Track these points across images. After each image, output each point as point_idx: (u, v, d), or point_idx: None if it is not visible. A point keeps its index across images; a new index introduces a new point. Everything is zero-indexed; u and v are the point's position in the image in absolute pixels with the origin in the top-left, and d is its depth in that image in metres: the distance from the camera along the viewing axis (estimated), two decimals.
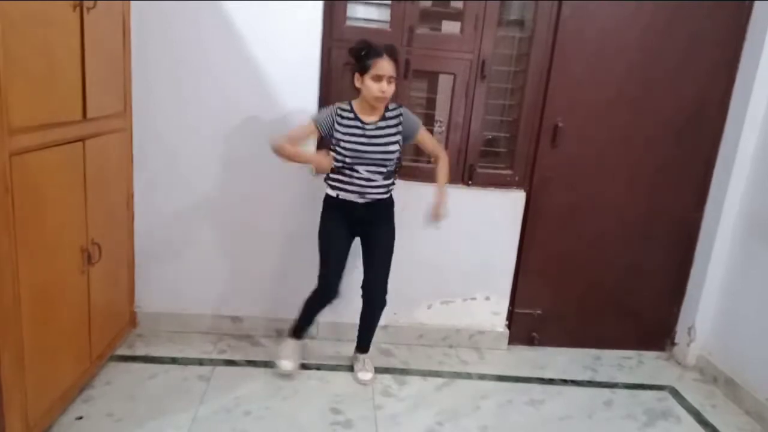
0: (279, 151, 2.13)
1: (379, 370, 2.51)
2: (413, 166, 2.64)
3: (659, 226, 2.80)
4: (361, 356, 2.48)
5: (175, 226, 2.57)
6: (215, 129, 2.49)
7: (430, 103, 2.69)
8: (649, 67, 2.60)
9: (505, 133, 2.70)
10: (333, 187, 2.20)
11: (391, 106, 2.18)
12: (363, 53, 2.05)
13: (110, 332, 2.34)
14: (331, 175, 2.19)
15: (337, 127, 2.12)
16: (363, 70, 2.06)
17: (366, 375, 2.41)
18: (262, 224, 2.60)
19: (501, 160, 2.71)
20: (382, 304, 2.36)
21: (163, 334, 2.63)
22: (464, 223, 2.67)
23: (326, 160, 2.16)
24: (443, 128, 2.66)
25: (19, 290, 1.60)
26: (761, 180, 2.53)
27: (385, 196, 2.22)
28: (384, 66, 2.03)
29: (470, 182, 2.65)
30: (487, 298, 2.80)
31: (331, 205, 2.23)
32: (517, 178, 2.68)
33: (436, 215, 2.25)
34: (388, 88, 2.06)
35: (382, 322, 2.78)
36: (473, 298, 2.79)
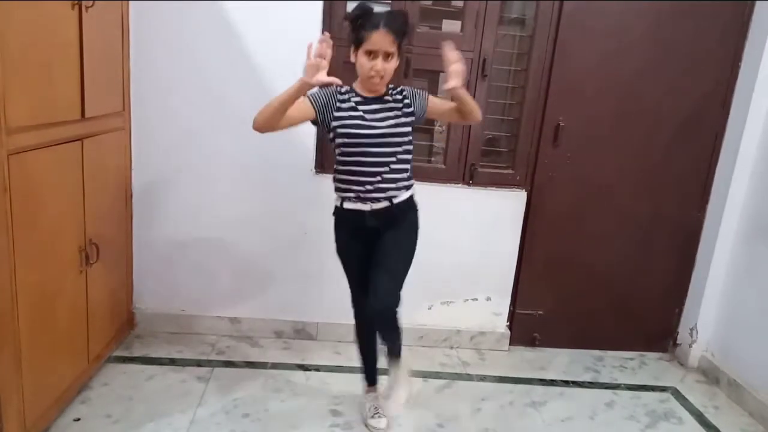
0: (260, 115, 1.71)
1: (379, 371, 2.49)
2: (415, 165, 2.61)
3: (661, 226, 2.79)
4: (393, 366, 2.03)
5: (174, 226, 2.56)
6: (214, 128, 2.48)
7: None
8: (651, 66, 2.59)
9: (506, 132, 2.69)
10: (338, 193, 1.86)
11: (391, 86, 1.85)
12: (358, 22, 1.70)
13: (108, 333, 2.32)
14: (336, 176, 1.86)
15: (336, 107, 1.78)
16: (356, 43, 1.72)
17: (380, 423, 2.07)
18: (261, 225, 2.59)
19: (502, 160, 2.70)
20: (393, 322, 1.95)
21: (162, 335, 2.61)
22: (465, 223, 2.66)
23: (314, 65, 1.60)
24: (444, 127, 2.65)
25: (17, 290, 1.59)
26: (763, 180, 2.52)
27: (400, 197, 1.83)
28: (378, 40, 1.67)
29: (471, 182, 2.64)
30: (488, 299, 2.78)
31: (338, 217, 1.91)
32: (518, 178, 2.67)
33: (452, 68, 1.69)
34: (384, 66, 1.71)
35: None
36: (474, 299, 2.78)
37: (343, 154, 1.81)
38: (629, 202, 2.74)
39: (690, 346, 2.81)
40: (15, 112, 1.51)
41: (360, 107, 1.79)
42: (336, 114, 1.78)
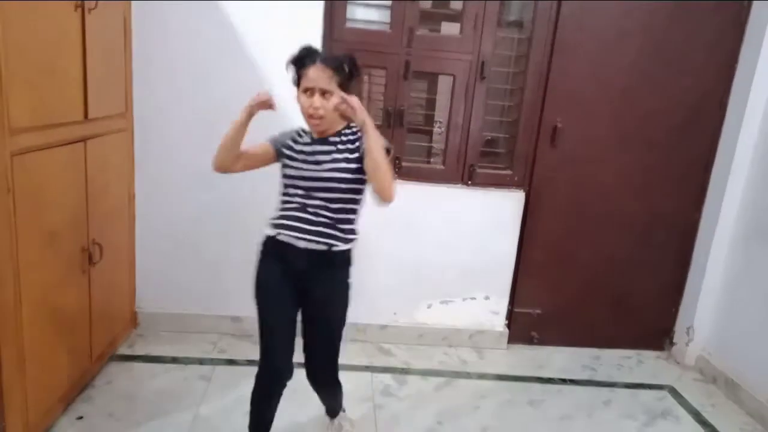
0: (217, 154, 1.73)
1: (378, 370, 2.51)
2: (414, 166, 2.65)
3: (658, 225, 2.81)
4: (333, 421, 2.01)
5: (176, 227, 2.57)
6: (216, 129, 2.49)
7: (430, 103, 2.70)
8: (648, 68, 2.60)
9: (504, 133, 2.71)
10: (273, 223, 1.70)
11: (352, 125, 1.67)
12: (297, 61, 1.64)
13: (111, 332, 2.34)
14: (278, 207, 1.71)
15: (287, 148, 1.69)
16: (296, 83, 1.65)
17: None
18: (262, 224, 2.60)
19: (500, 161, 2.72)
20: (333, 388, 1.88)
21: (164, 334, 2.63)
22: (464, 222, 2.68)
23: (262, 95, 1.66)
24: (443, 129, 2.67)
25: (20, 290, 1.61)
26: (759, 180, 2.53)
27: (338, 246, 1.64)
28: (314, 76, 1.57)
29: (470, 182, 2.66)
30: (487, 298, 2.80)
31: (268, 250, 1.73)
32: (516, 178, 2.69)
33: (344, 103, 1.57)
34: (322, 103, 1.56)
35: (382, 321, 2.79)
36: (473, 298, 2.80)
37: (286, 194, 1.69)
38: (626, 202, 2.76)
39: (687, 344, 2.83)
40: (18, 113, 1.53)
41: (307, 149, 1.65)
42: (286, 153, 1.69)
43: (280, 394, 1.77)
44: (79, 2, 1.81)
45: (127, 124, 2.36)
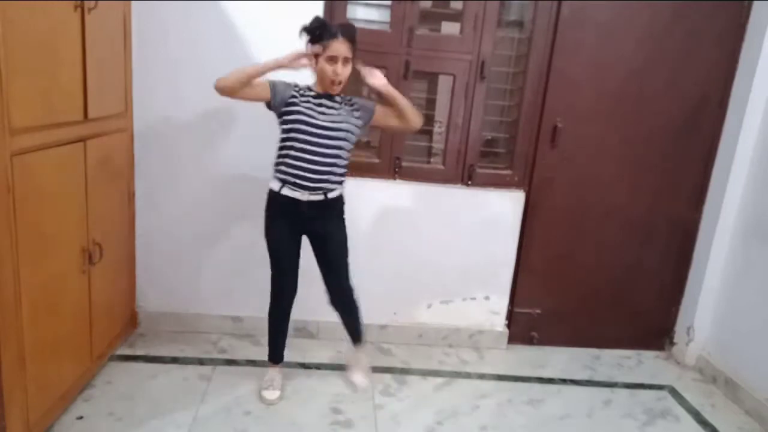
0: (227, 79, 1.90)
1: (379, 370, 2.51)
2: (414, 166, 2.65)
3: (658, 225, 2.81)
4: (357, 351, 2.39)
5: (176, 226, 2.58)
6: (215, 129, 2.50)
7: (430, 103, 2.70)
8: (648, 68, 2.60)
9: (504, 133, 2.71)
10: (278, 177, 2.02)
11: (343, 96, 2.07)
12: (317, 33, 1.93)
13: (111, 332, 2.34)
14: (278, 161, 2.02)
15: (292, 97, 1.97)
16: (316, 52, 1.95)
17: (358, 377, 2.37)
18: (262, 224, 2.60)
19: (500, 161, 2.72)
20: (353, 303, 2.25)
21: (164, 334, 2.63)
22: (464, 222, 2.68)
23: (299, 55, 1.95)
24: (443, 129, 2.67)
25: (20, 290, 1.61)
26: (760, 180, 2.53)
27: (334, 192, 2.05)
28: (338, 47, 1.91)
29: (470, 182, 2.66)
30: (487, 298, 2.80)
31: (273, 202, 2.06)
32: (516, 179, 2.69)
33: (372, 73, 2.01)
34: (343, 70, 1.94)
35: (381, 321, 2.79)
36: (473, 298, 2.80)
37: (289, 139, 1.98)
38: (627, 202, 2.76)
39: (687, 344, 2.83)
40: (18, 113, 1.53)
41: (313, 101, 1.99)
42: (290, 101, 1.97)
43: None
44: (79, 2, 1.81)
45: (127, 123, 2.36)
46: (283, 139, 2.00)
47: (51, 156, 1.74)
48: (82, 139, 1.93)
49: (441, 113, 2.68)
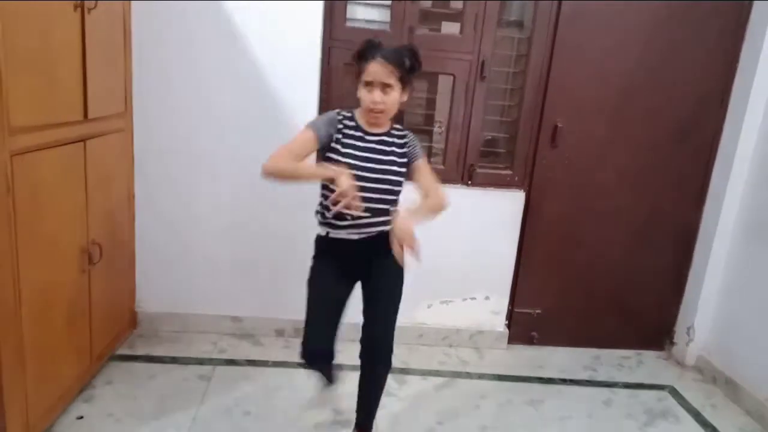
0: (277, 173, 1.65)
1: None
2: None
3: (658, 225, 2.80)
4: None
5: (176, 226, 2.57)
6: (215, 129, 2.50)
7: (430, 103, 2.70)
8: (649, 68, 2.60)
9: (504, 133, 2.70)
10: (324, 223, 1.74)
11: (398, 126, 1.80)
12: (359, 55, 1.67)
13: (111, 332, 2.34)
14: (323, 202, 1.71)
15: (338, 135, 1.69)
16: (358, 75, 1.69)
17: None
18: (262, 224, 2.60)
19: (501, 161, 2.72)
20: (386, 363, 1.82)
21: (164, 334, 2.63)
22: (464, 223, 2.68)
23: (346, 174, 1.59)
24: (443, 129, 2.67)
25: (20, 290, 1.61)
26: (760, 180, 2.53)
27: (387, 227, 1.69)
28: (374, 70, 1.62)
29: (470, 182, 2.66)
30: (487, 298, 2.80)
31: (323, 245, 1.78)
32: (516, 179, 2.69)
33: (403, 238, 1.56)
34: (384, 99, 1.63)
35: None
36: (473, 298, 2.80)
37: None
38: (627, 202, 2.76)
39: (687, 344, 2.83)
40: (18, 113, 1.52)
41: (359, 143, 1.70)
42: (339, 138, 1.70)
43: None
44: (79, 2, 1.80)
45: (127, 123, 2.36)
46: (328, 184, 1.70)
47: (51, 156, 1.74)
48: (82, 139, 1.93)
49: (441, 113, 2.68)
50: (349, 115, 1.74)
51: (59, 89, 1.76)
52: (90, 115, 1.94)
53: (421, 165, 1.79)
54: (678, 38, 2.58)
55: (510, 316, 2.86)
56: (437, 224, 2.64)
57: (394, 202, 1.75)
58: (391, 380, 2.44)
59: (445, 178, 2.64)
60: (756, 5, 2.55)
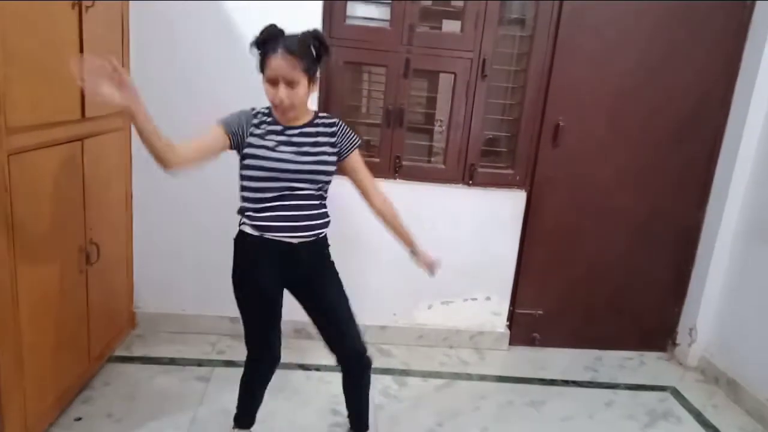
0: (156, 159, 1.56)
1: (378, 371, 2.49)
2: (414, 166, 2.63)
3: (660, 226, 2.79)
4: None
5: (174, 226, 2.56)
6: None
7: (431, 102, 2.69)
8: (651, 66, 2.59)
9: (505, 132, 2.69)
10: (253, 225, 1.57)
11: (323, 114, 1.67)
12: (259, 45, 1.54)
13: (109, 333, 2.33)
14: (246, 205, 1.59)
15: (253, 129, 1.57)
16: (261, 69, 1.54)
17: None
18: None
19: (502, 160, 2.70)
20: (367, 364, 1.77)
21: (162, 335, 2.62)
22: (465, 222, 2.66)
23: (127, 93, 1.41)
24: (443, 128, 2.66)
25: (18, 290, 1.59)
26: (762, 180, 2.52)
27: (323, 231, 1.64)
28: (277, 66, 1.47)
29: (471, 182, 2.64)
30: (488, 299, 2.79)
31: (248, 248, 1.60)
32: (518, 178, 2.67)
33: (430, 265, 1.84)
34: (290, 95, 1.49)
35: (381, 322, 2.78)
36: (474, 299, 2.78)
37: (256, 177, 1.56)
38: (629, 202, 2.75)
39: (689, 345, 2.81)
40: (15, 112, 1.51)
41: (279, 137, 1.57)
42: (251, 133, 1.57)
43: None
44: (77, 1, 1.79)
45: (125, 123, 2.34)
46: (249, 180, 1.61)
47: (48, 155, 1.73)
48: (80, 139, 1.91)
49: (442, 112, 2.66)
50: (266, 110, 1.62)
51: (57, 88, 1.74)
52: (87, 114, 1.93)
53: (357, 159, 1.69)
54: (680, 37, 2.56)
55: (511, 316, 2.85)
56: (437, 224, 2.65)
57: (321, 198, 1.64)
58: (391, 381, 2.44)
59: (446, 177, 2.64)
60: (759, 5, 2.53)
